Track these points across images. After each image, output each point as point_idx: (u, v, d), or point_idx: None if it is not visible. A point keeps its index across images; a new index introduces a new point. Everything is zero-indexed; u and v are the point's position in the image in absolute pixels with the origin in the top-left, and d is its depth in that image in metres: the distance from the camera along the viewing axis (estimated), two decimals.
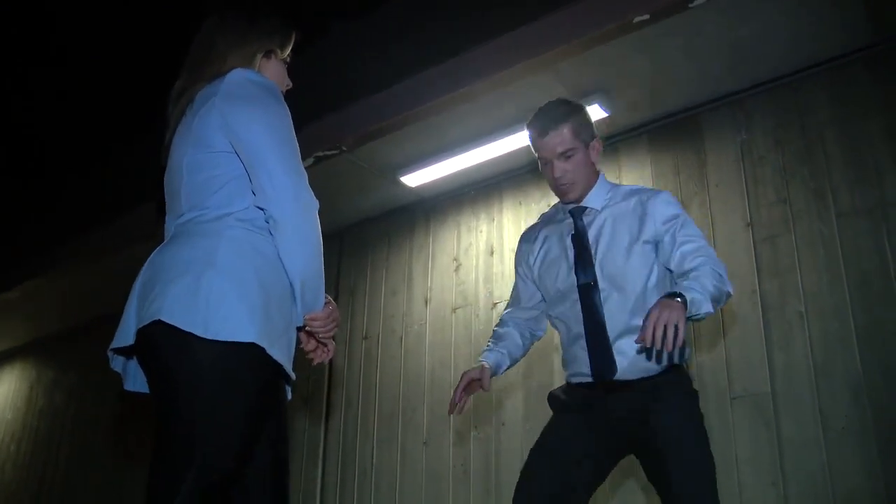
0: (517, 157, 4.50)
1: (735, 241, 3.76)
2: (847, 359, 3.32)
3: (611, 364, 2.43)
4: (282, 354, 1.83)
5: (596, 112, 4.06)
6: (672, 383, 2.40)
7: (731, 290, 2.34)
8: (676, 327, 2.05)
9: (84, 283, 6.10)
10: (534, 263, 2.70)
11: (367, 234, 5.33)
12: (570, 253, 2.57)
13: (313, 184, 1.94)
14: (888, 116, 3.52)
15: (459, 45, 4.00)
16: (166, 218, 2.04)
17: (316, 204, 1.93)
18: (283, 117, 1.97)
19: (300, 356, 2.07)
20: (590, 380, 2.47)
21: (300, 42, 2.22)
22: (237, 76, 1.96)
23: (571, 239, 2.58)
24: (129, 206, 5.24)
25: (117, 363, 1.99)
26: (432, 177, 4.73)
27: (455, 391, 2.54)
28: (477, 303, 4.60)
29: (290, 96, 2.12)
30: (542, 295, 2.71)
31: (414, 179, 4.78)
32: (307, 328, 2.01)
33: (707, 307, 2.19)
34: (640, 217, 2.50)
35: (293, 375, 1.93)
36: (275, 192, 1.86)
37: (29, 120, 5.94)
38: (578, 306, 2.52)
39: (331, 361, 5.02)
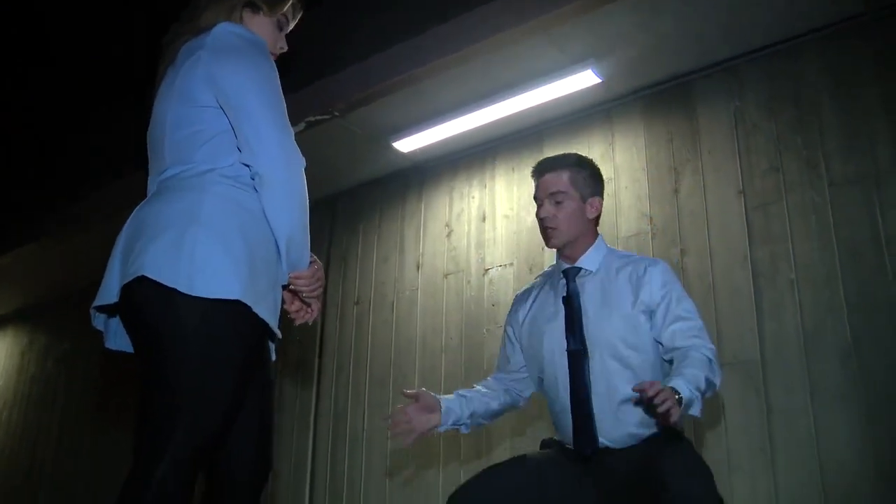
0: (510, 123, 4.48)
1: (727, 208, 3.76)
2: (837, 326, 3.34)
3: (593, 438, 2.37)
4: (268, 313, 1.81)
5: (589, 78, 4.04)
6: (668, 437, 2.32)
7: (719, 381, 2.26)
8: (670, 410, 1.98)
9: (76, 250, 6.08)
10: (522, 322, 2.63)
11: (359, 200, 5.31)
12: (561, 316, 2.50)
13: (305, 149, 1.93)
14: (882, 85, 3.51)
15: (453, 9, 3.96)
16: (149, 173, 2.01)
17: (302, 161, 1.91)
18: (270, 73, 1.94)
19: (286, 318, 2.06)
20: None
21: (299, 5, 2.18)
22: (223, 29, 1.93)
23: (563, 301, 2.51)
24: (122, 172, 5.21)
25: (99, 321, 1.96)
26: (425, 142, 4.71)
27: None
28: (469, 269, 4.61)
29: (281, 60, 2.10)
30: (528, 358, 2.62)
31: (406, 145, 4.75)
32: (291, 287, 1.99)
33: (696, 409, 2.12)
34: (636, 286, 2.43)
35: (279, 334, 1.90)
36: (260, 147, 1.84)
37: (20, 86, 5.88)
38: (566, 373, 2.44)
39: (322, 327, 5.08)
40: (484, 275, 4.53)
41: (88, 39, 5.29)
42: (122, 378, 5.95)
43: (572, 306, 2.48)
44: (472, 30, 3.87)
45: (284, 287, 1.97)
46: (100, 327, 1.98)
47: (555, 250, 2.62)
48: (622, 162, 4.14)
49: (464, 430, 2.61)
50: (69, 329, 6.94)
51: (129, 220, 1.89)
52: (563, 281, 2.54)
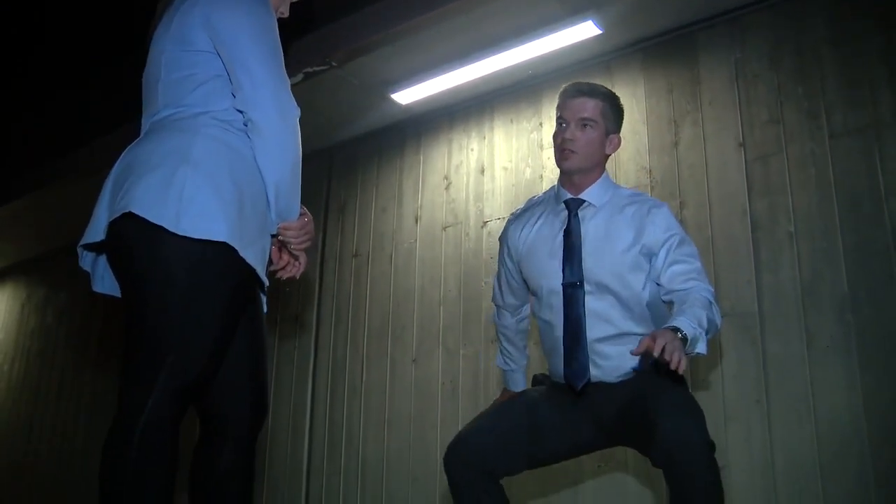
0: (509, 75, 4.44)
1: (727, 160, 3.75)
2: (834, 278, 3.35)
3: (583, 371, 2.38)
4: (255, 258, 1.81)
5: (589, 29, 4.00)
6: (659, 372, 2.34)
7: (720, 322, 2.28)
8: (679, 361, 1.99)
9: (71, 201, 6.05)
10: (520, 248, 2.60)
11: (358, 152, 5.29)
12: (560, 248, 2.49)
13: (302, 100, 1.92)
14: (884, 35, 3.47)
15: None
16: (142, 115, 1.99)
17: (297, 110, 1.90)
18: (268, 20, 1.93)
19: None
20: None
21: None
22: None
23: (563, 234, 2.50)
24: (117, 123, 5.17)
25: (86, 261, 1.96)
26: (423, 94, 4.67)
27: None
28: (467, 221, 4.60)
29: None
30: (526, 283, 2.63)
31: (405, 97, 4.71)
32: (280, 237, 1.99)
33: (702, 347, 2.14)
34: (639, 226, 2.43)
35: (266, 281, 1.90)
36: (255, 93, 1.83)
37: (13, 39, 5.82)
38: (562, 305, 2.45)
39: (320, 279, 5.09)
40: (482, 227, 4.52)
41: None
42: (119, 327, 5.97)
43: (572, 239, 2.47)
44: None
45: (273, 237, 1.97)
46: (86, 268, 1.98)
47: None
48: None
49: None
50: (67, 280, 6.95)
51: (119, 160, 1.89)
52: (565, 212, 2.53)
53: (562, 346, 2.43)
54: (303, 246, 2.03)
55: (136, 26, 2.21)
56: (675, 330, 2.08)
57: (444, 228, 4.70)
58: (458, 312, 4.47)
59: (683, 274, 2.35)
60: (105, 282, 1.98)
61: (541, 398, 2.51)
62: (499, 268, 2.75)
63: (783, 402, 3.35)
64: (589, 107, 2.49)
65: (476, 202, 4.60)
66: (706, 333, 2.17)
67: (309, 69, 4.41)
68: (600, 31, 4.03)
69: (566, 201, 2.53)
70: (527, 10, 3.90)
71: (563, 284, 2.44)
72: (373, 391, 4.69)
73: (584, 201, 2.51)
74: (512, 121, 4.58)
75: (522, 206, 2.73)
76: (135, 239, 1.74)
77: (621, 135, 2.59)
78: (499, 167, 4.55)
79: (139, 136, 1.95)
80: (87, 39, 5.46)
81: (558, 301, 2.46)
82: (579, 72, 4.32)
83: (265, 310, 2.04)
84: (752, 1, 3.82)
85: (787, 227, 3.51)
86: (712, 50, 3.94)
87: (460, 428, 2.56)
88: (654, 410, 2.14)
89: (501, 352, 2.82)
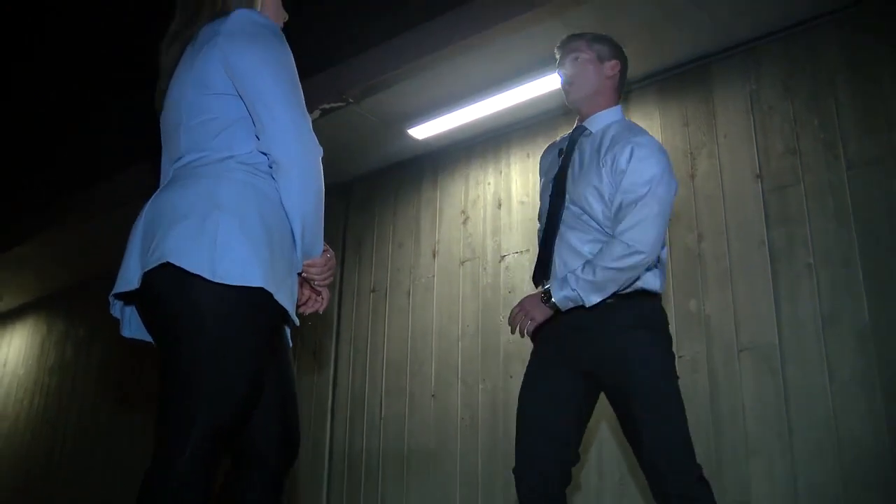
0: (525, 108, 4.46)
1: (744, 191, 3.74)
2: (854, 308, 3.32)
3: (545, 268, 2.59)
4: (286, 299, 1.81)
5: None
6: (622, 312, 2.48)
7: (637, 261, 2.41)
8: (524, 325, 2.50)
9: (92, 237, 6.11)
10: (542, 174, 2.85)
11: (375, 187, 5.31)
12: (557, 167, 2.71)
13: (320, 136, 1.92)
14: None
15: None
16: (162, 160, 2.00)
17: (319, 149, 1.91)
18: (288, 60, 1.94)
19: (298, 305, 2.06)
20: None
21: None
22: (242, 16, 1.91)
23: (559, 154, 2.73)
24: (138, 159, 5.23)
25: (116, 309, 1.97)
26: (440, 129, 4.70)
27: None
28: (485, 255, 4.60)
29: (295, 47, 2.10)
30: None
31: (421, 132, 4.75)
32: (304, 274, 1.99)
33: (590, 299, 2.40)
34: (614, 156, 2.52)
35: (297, 321, 1.91)
36: (277, 132, 1.83)
37: (38, 71, 5.90)
38: (546, 214, 2.68)
39: (338, 313, 5.09)
40: (500, 261, 4.52)
41: (98, 28, 5.29)
42: (137, 363, 6.00)
43: (564, 159, 2.68)
44: (484, 15, 3.85)
45: (298, 274, 1.98)
46: (117, 315, 1.98)
47: None
48: None
49: None
50: (87, 315, 6.99)
51: (146, 208, 1.88)
52: (570, 139, 2.73)
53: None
54: (326, 282, 2.04)
55: (152, 63, 2.23)
56: (546, 294, 2.46)
57: (462, 263, 4.70)
58: (476, 346, 4.46)
59: (626, 208, 2.46)
60: (132, 326, 1.98)
61: (536, 375, 2.62)
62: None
63: (806, 435, 3.31)
64: (576, 46, 2.69)
65: (494, 236, 4.60)
66: (598, 290, 2.39)
67: (325, 105, 4.45)
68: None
69: (576, 127, 2.73)
70: (540, 43, 3.92)
71: (549, 196, 2.68)
72: (391, 426, 4.67)
73: (585, 128, 2.68)
74: (528, 155, 4.59)
75: (553, 142, 2.94)
76: (171, 288, 1.74)
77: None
78: (516, 201, 4.56)
79: (159, 178, 1.96)
80: (111, 75, 5.53)
81: (545, 211, 2.69)
82: None
83: (290, 344, 2.05)
84: (766, 32, 3.84)
85: (805, 258, 3.50)
86: (727, 82, 3.95)
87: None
88: (638, 413, 2.37)
89: None
